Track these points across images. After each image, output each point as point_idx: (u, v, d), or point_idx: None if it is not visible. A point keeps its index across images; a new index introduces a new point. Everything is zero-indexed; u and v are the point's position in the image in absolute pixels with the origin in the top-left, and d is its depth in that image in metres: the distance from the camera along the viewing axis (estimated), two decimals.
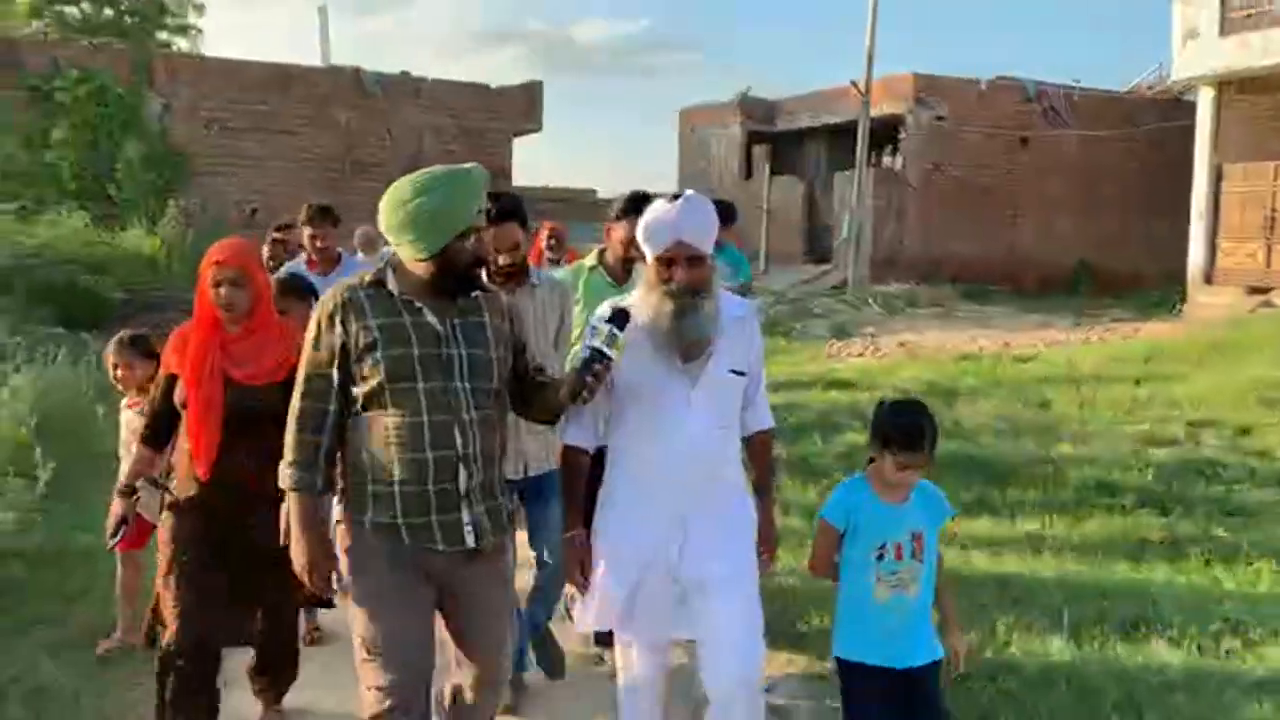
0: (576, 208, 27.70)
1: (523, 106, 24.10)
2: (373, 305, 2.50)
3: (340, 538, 2.58)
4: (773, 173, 26.30)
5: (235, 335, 3.11)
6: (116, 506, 3.27)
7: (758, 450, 2.97)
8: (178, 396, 3.12)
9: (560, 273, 4.05)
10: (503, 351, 2.62)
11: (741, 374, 2.79)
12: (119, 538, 3.32)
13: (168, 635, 3.08)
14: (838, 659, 2.88)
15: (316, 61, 23.10)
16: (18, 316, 10.63)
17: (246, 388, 3.07)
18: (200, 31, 31.64)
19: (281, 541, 2.81)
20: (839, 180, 23.74)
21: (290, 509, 2.56)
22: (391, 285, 2.53)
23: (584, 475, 2.85)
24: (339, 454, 2.57)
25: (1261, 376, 9.59)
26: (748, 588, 2.79)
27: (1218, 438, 7.65)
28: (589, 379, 2.54)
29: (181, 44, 30.51)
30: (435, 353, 2.50)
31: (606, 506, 2.84)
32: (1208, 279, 16.49)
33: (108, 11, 29.21)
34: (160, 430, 3.23)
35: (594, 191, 34.52)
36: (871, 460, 2.85)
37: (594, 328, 2.60)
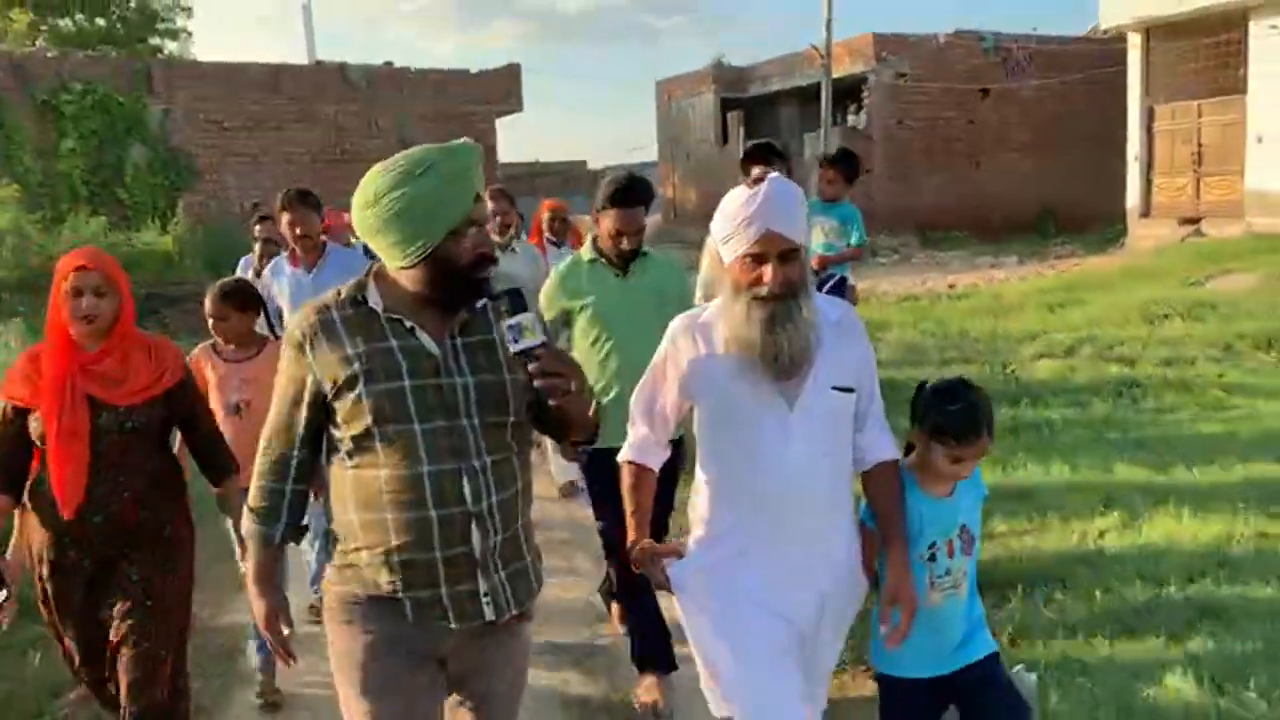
0: (570, 180, 28.86)
1: (504, 88, 25.26)
2: (351, 329, 1.99)
3: (328, 613, 2.11)
4: (747, 137, 27.43)
5: (95, 355, 2.73)
6: None
7: (881, 485, 2.38)
8: (33, 429, 2.72)
9: (555, 270, 3.78)
10: (521, 375, 1.99)
11: (849, 390, 2.30)
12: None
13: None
14: (882, 676, 2.53)
15: (303, 58, 24.32)
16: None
17: (120, 409, 2.73)
18: (189, 34, 32.80)
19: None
20: (809, 141, 24.88)
21: (250, 560, 2.17)
22: (374, 301, 2.01)
23: (651, 491, 2.47)
24: (313, 498, 2.20)
25: (1154, 296, 10.86)
26: (826, 678, 2.50)
27: (1093, 349, 8.92)
28: (541, 381, 1.93)
29: (172, 47, 31.64)
30: (433, 384, 1.98)
31: (708, 555, 2.36)
32: (1145, 213, 17.67)
33: (99, 21, 30.31)
34: (12, 470, 2.77)
35: (584, 163, 35.65)
36: (910, 448, 2.49)
37: (512, 326, 1.95)
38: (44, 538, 2.78)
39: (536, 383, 1.92)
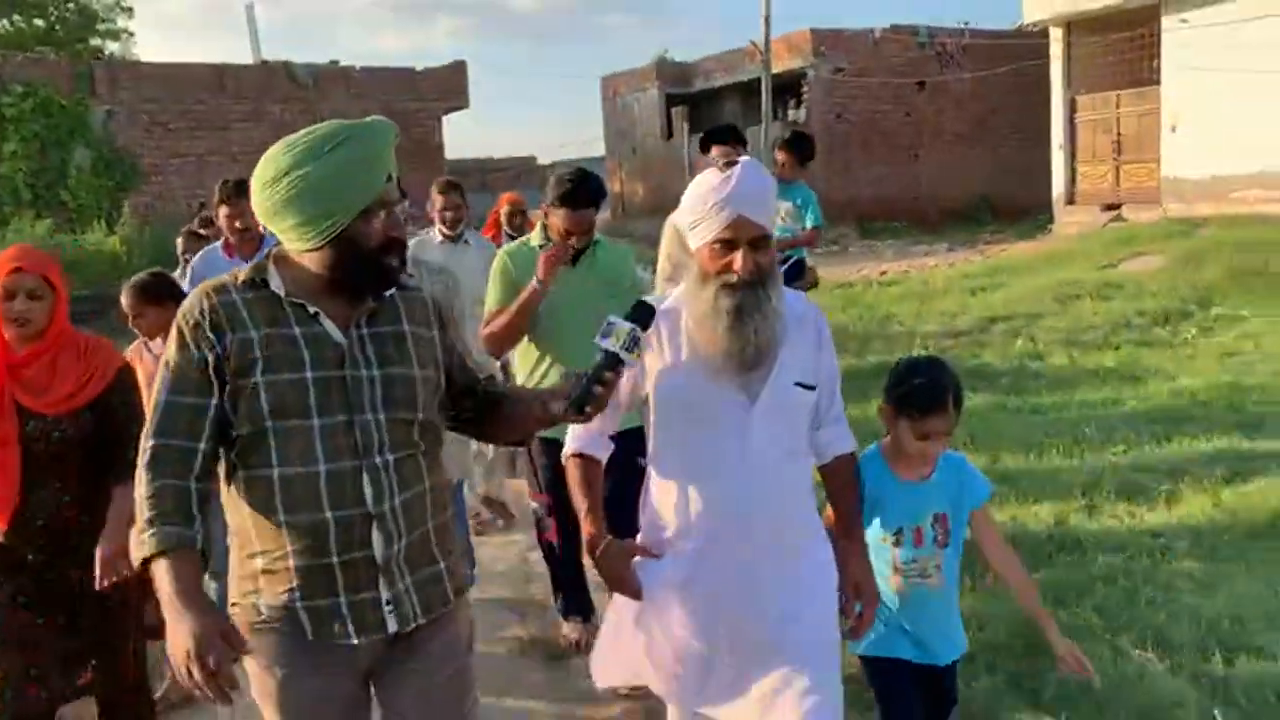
0: (521, 176, 29.19)
1: (449, 85, 25.50)
2: (253, 312, 1.83)
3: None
4: (692, 131, 27.90)
5: (23, 358, 2.62)
6: None
7: (839, 479, 2.34)
8: None
9: (502, 252, 3.73)
10: (431, 369, 1.96)
11: (810, 388, 2.21)
12: None
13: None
14: (862, 658, 2.52)
15: (248, 57, 24.36)
16: None
17: (49, 417, 2.61)
18: (130, 34, 32.59)
19: (101, 585, 2.59)
20: (751, 135, 25.40)
21: (159, 584, 1.75)
22: (275, 284, 1.86)
23: (600, 483, 2.32)
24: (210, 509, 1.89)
25: (1068, 278, 11.49)
26: (829, 665, 2.21)
27: (1006, 327, 9.50)
28: (598, 389, 1.91)
29: (113, 47, 31.45)
30: (337, 375, 1.84)
31: (654, 552, 2.26)
32: (1069, 200, 18.39)
33: (38, 22, 30.04)
34: None
35: (534, 159, 35.95)
36: (888, 433, 2.48)
37: (610, 324, 1.97)
38: None
39: (593, 384, 1.90)
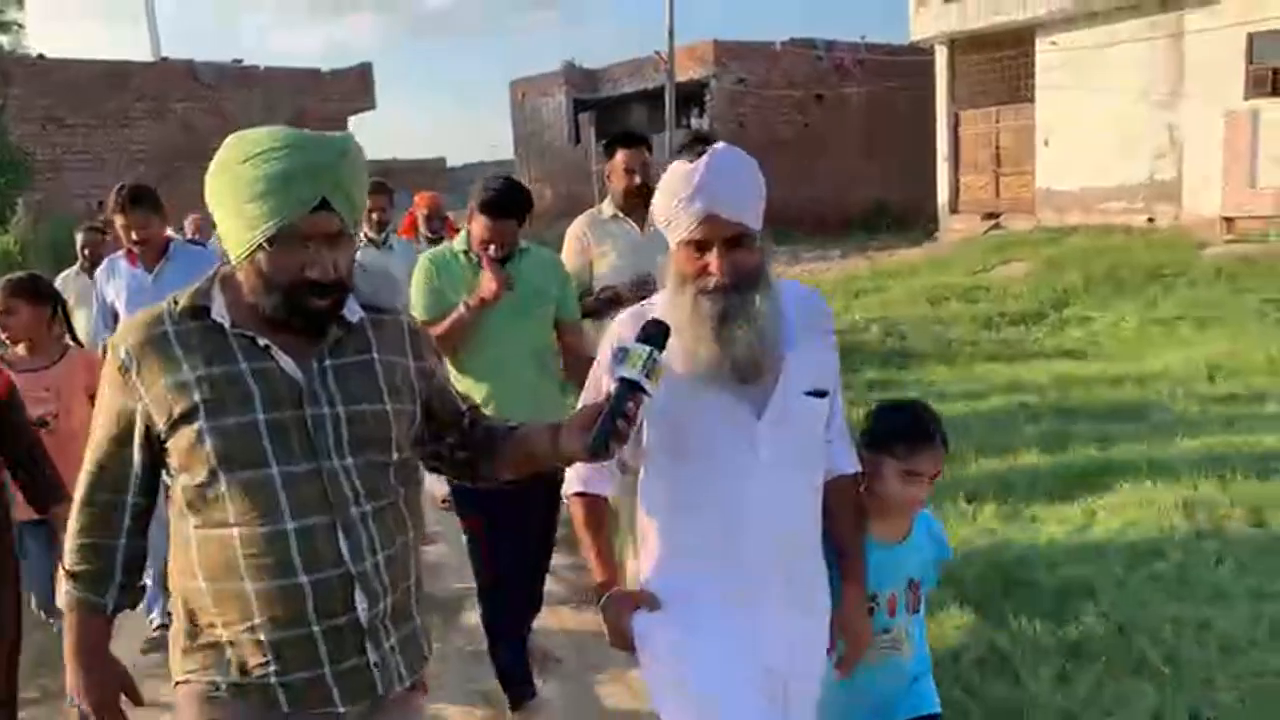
0: (431, 177, 29.28)
1: (356, 87, 25.58)
2: (189, 347, 1.60)
3: (180, 714, 1.70)
4: (598, 137, 28.41)
5: None
6: None
7: (841, 502, 2.09)
8: None
9: (423, 259, 3.53)
10: (406, 401, 1.73)
11: (822, 394, 1.97)
12: None
13: None
14: None
15: (148, 54, 24.06)
16: None
17: None
18: (22, 27, 31.60)
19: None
20: (656, 141, 26.01)
21: (67, 632, 1.70)
22: (219, 312, 1.62)
23: (607, 523, 2.13)
24: (146, 562, 1.76)
25: (942, 282, 12.33)
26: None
27: (880, 327, 10.23)
28: (620, 424, 1.63)
29: (2, 40, 30.51)
30: (295, 416, 1.60)
31: (655, 602, 2.00)
32: (954, 209, 19.45)
33: None
34: None
35: (443, 160, 35.96)
36: (861, 486, 2.19)
37: (623, 350, 1.70)
38: None
39: (614, 417, 1.60)
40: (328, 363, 1.66)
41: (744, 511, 1.91)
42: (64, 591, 1.69)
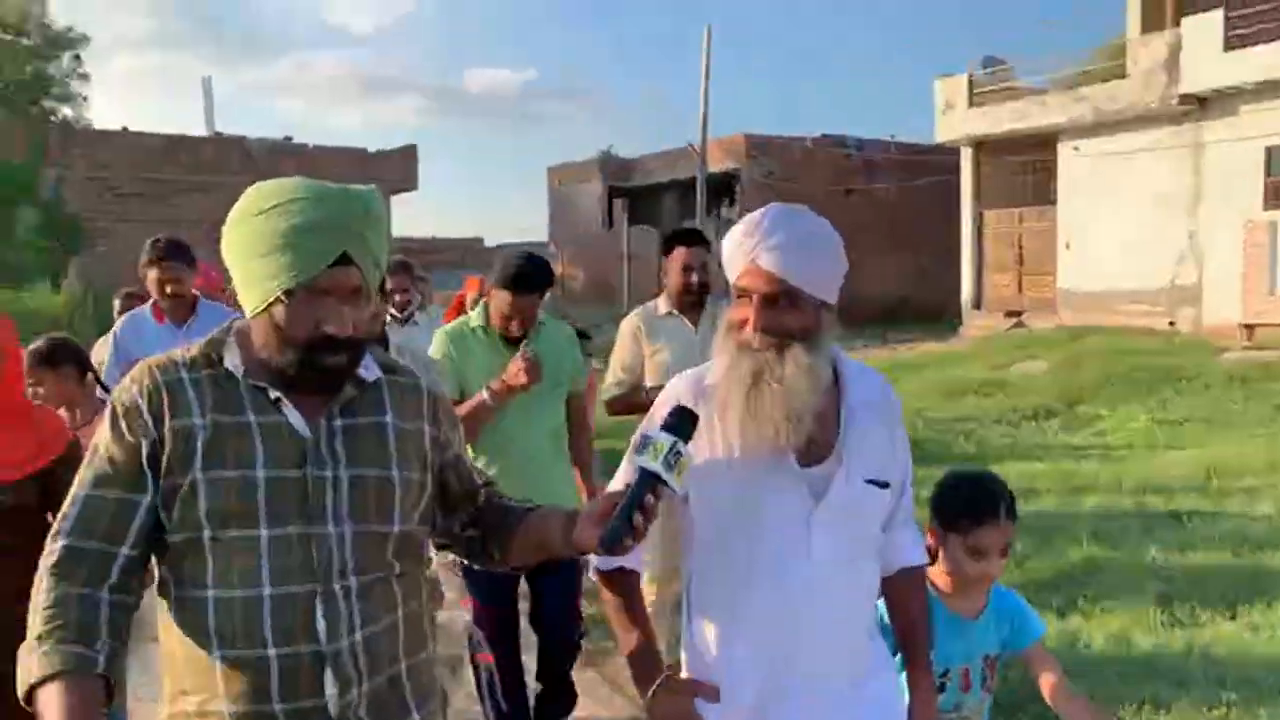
0: (467, 256, 30.09)
1: (400, 168, 26.51)
2: (203, 395, 1.53)
3: None
4: (631, 223, 29.16)
5: None
6: None
7: (908, 595, 1.97)
8: None
9: (438, 337, 3.46)
10: (416, 470, 1.62)
11: (884, 485, 1.84)
12: None
13: None
14: None
15: (202, 128, 25.15)
16: None
17: None
18: (85, 99, 33.11)
19: None
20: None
21: (45, 716, 1.38)
22: (232, 362, 1.56)
23: (642, 601, 1.95)
24: (128, 632, 1.51)
25: (960, 376, 12.55)
26: None
27: None
28: (636, 518, 1.52)
29: (67, 111, 31.94)
30: (295, 476, 1.51)
31: (712, 692, 1.81)
32: (976, 305, 19.77)
33: None
34: None
35: (481, 240, 36.88)
36: (933, 558, 2.18)
37: (645, 438, 1.58)
38: None
39: (632, 510, 1.49)
40: (338, 422, 1.55)
41: (790, 595, 1.76)
42: (36, 658, 1.38)
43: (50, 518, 2.57)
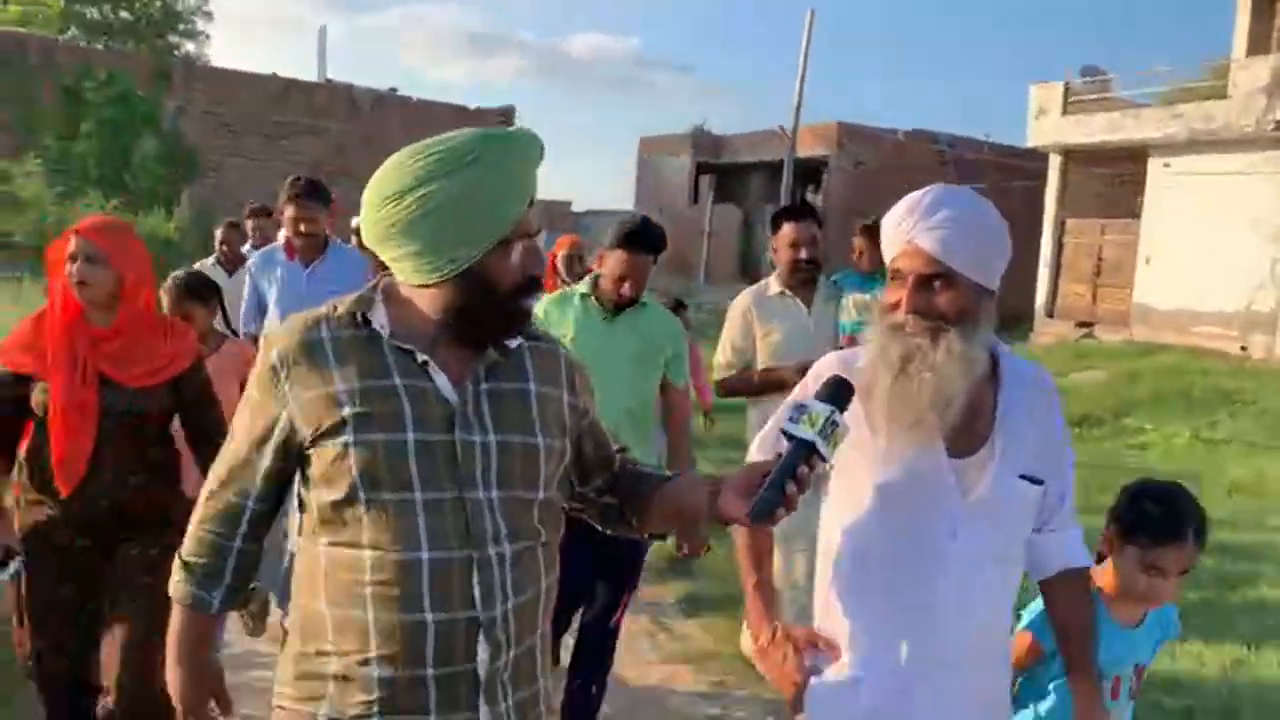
0: (555, 218, 30.84)
1: (497, 124, 27.25)
2: (344, 358, 1.51)
3: None
4: (716, 200, 29.54)
5: (106, 331, 2.59)
6: None
7: (1072, 599, 1.89)
8: (35, 400, 2.57)
9: (543, 302, 3.34)
10: (558, 437, 1.61)
11: (1038, 482, 1.77)
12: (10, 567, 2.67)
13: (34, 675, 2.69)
14: None
15: (313, 73, 26.23)
16: None
17: (128, 390, 2.59)
18: (208, 36, 34.68)
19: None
20: (768, 211, 26.99)
21: (172, 625, 1.64)
22: (380, 324, 1.53)
23: (770, 555, 1.99)
24: (257, 570, 1.66)
25: None
26: None
27: None
28: (790, 488, 1.48)
29: (190, 47, 33.47)
30: (445, 440, 1.49)
31: (831, 649, 1.83)
32: (1049, 313, 19.80)
33: (124, 14, 32.07)
34: (4, 437, 2.65)
35: (569, 203, 37.54)
36: (1100, 558, 2.14)
37: (801, 407, 1.53)
38: (37, 514, 2.61)
39: (785, 480, 1.47)
40: (483, 387, 1.54)
41: (934, 590, 1.72)
42: (175, 581, 1.64)
43: (171, 424, 2.75)
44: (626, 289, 3.20)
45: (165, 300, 3.56)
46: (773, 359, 3.75)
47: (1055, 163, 19.72)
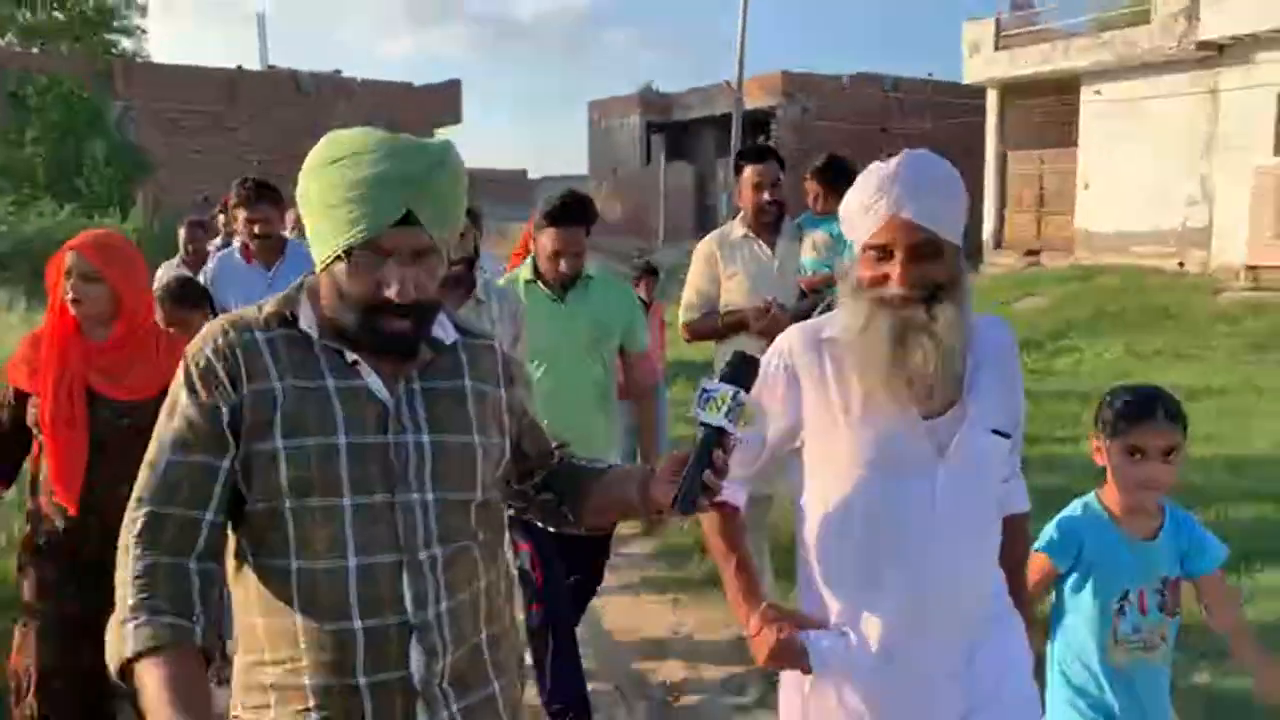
0: (508, 189, 30.98)
1: (444, 102, 27.35)
2: (275, 356, 1.46)
3: None
4: (668, 159, 29.82)
5: (103, 345, 2.60)
6: None
7: (1011, 542, 1.93)
8: (29, 416, 2.60)
9: (498, 281, 3.33)
10: (495, 435, 1.57)
11: (1006, 435, 1.80)
12: None
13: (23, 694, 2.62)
14: None
15: (255, 60, 26.20)
16: (24, 289, 13.75)
17: (120, 403, 2.59)
18: (145, 32, 34.27)
19: None
20: (721, 166, 27.34)
21: (146, 692, 1.30)
22: (306, 322, 1.48)
23: (743, 536, 1.95)
24: (220, 600, 1.45)
25: None
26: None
27: None
28: (707, 475, 1.47)
29: (126, 44, 33.11)
30: (377, 442, 1.45)
31: (823, 637, 1.81)
32: (997, 244, 20.35)
33: (57, 14, 31.67)
34: (5, 454, 2.70)
35: (524, 172, 37.63)
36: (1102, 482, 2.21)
37: (706, 391, 1.51)
38: (47, 528, 2.63)
39: (702, 466, 1.46)
40: (416, 385, 1.50)
41: (918, 552, 1.73)
42: (130, 630, 1.32)
43: None
44: (564, 265, 3.22)
45: (158, 310, 3.46)
46: (738, 302, 3.74)
47: (993, 97, 20.19)
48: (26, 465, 2.73)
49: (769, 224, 3.76)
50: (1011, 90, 19.95)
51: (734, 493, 1.88)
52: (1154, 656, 2.18)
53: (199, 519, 1.42)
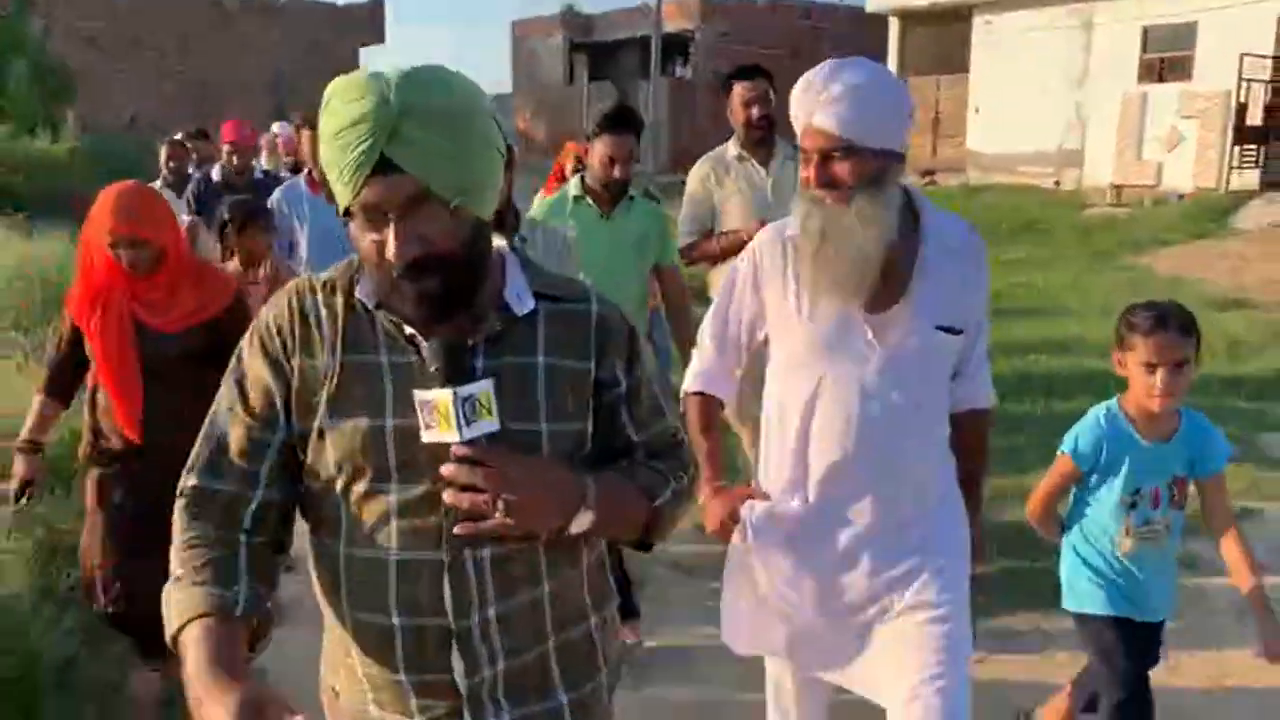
0: None
1: (367, 21, 27.62)
2: (330, 328, 1.33)
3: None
4: (591, 79, 30.52)
5: (144, 284, 2.70)
6: (20, 465, 2.83)
7: (966, 435, 2.03)
8: (87, 349, 2.73)
9: (539, 205, 3.52)
10: (572, 420, 1.37)
11: (956, 332, 1.88)
12: (25, 501, 2.85)
13: (98, 602, 2.74)
14: (1081, 615, 2.46)
15: None
16: None
17: (164, 334, 2.69)
18: None
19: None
20: (643, 87, 28.23)
21: (186, 663, 1.21)
22: (363, 292, 1.34)
23: (718, 426, 2.09)
24: (278, 575, 1.38)
25: None
26: (949, 635, 1.90)
27: None
28: (455, 497, 1.26)
29: None
30: None
31: (759, 509, 2.00)
32: None
33: None
34: (65, 381, 2.87)
35: None
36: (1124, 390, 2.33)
37: (426, 403, 1.26)
38: (103, 444, 2.75)
39: (447, 495, 1.25)
40: (480, 362, 1.30)
41: (850, 434, 1.86)
42: (173, 605, 1.26)
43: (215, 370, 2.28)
44: (618, 171, 3.34)
45: (231, 234, 3.75)
46: (734, 222, 3.71)
47: (893, 25, 21.51)
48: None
49: (760, 141, 3.75)
50: (910, 18, 21.28)
51: (719, 385, 2.10)
52: (1160, 545, 2.41)
53: (247, 494, 1.33)
